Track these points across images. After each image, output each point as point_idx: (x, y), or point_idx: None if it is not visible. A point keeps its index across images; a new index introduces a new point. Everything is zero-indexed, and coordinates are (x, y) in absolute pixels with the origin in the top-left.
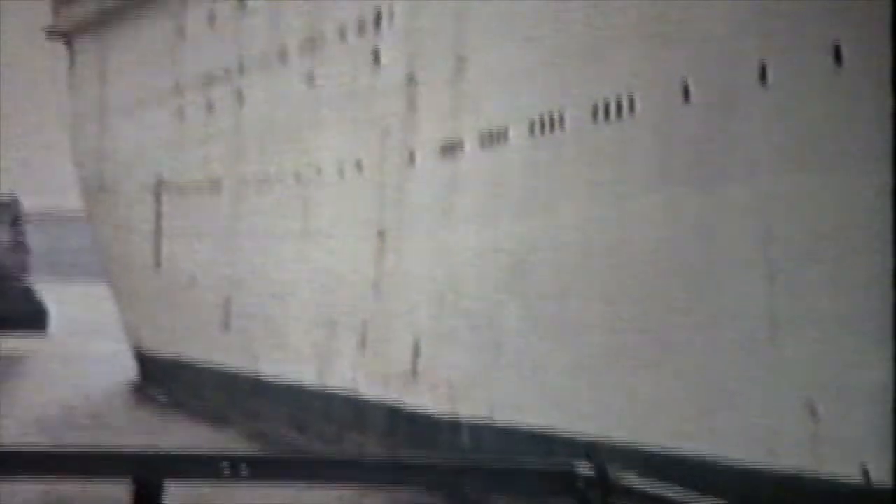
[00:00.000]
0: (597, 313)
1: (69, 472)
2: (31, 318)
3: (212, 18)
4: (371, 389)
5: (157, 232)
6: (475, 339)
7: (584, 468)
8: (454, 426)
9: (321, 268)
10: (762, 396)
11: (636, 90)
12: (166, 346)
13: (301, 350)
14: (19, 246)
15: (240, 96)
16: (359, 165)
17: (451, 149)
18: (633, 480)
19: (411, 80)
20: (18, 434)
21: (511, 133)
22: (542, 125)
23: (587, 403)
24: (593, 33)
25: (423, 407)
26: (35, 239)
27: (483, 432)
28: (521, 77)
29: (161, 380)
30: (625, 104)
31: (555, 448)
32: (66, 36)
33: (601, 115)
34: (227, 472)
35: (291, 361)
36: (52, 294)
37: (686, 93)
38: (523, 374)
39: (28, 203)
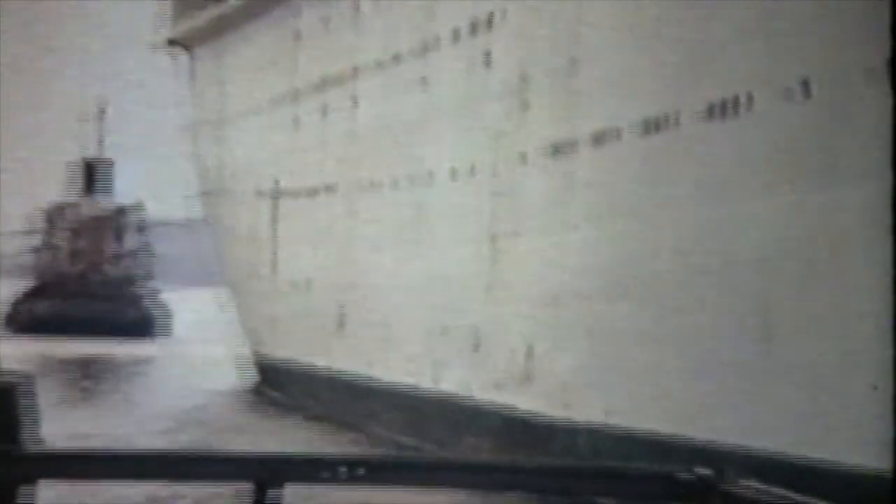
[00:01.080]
0: (712, 317)
1: (190, 475)
2: (157, 322)
3: (326, 23)
4: (484, 393)
5: (273, 237)
6: (589, 343)
7: (701, 473)
8: (568, 430)
9: (434, 272)
10: (881, 400)
11: (754, 88)
12: (283, 349)
13: (415, 354)
14: (144, 252)
15: (354, 100)
16: (471, 168)
17: (563, 150)
18: (750, 486)
19: (524, 80)
20: (141, 436)
21: (624, 133)
22: (657, 125)
23: (703, 407)
24: (710, 31)
25: (536, 410)
26: (159, 244)
27: (598, 436)
28: (635, 76)
29: (278, 383)
30: (742, 103)
31: (671, 452)
32: (185, 45)
33: (717, 113)
34: (344, 474)
35: (405, 365)
36: (175, 299)
37: (806, 90)
38: (639, 378)
39: (152, 209)
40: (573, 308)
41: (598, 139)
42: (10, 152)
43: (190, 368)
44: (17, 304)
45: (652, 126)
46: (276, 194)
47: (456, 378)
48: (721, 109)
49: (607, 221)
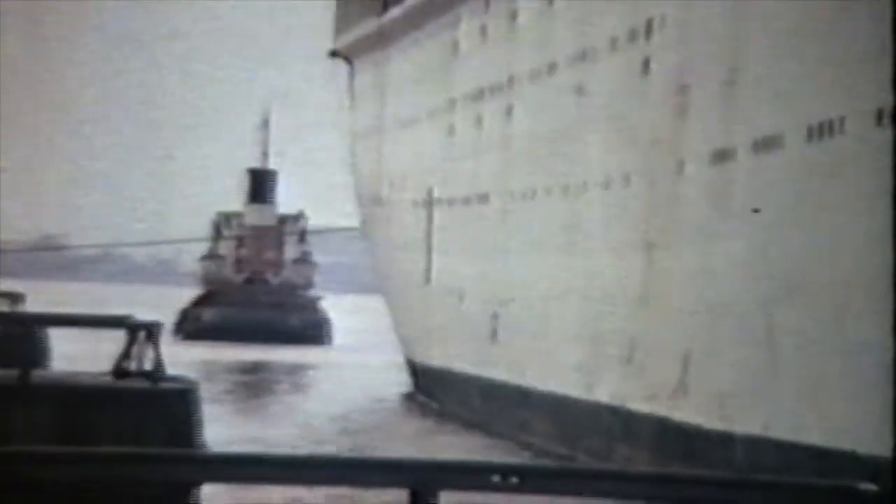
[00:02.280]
0: (880, 328)
1: (347, 480)
2: (316, 330)
3: (483, 33)
4: (638, 403)
5: (427, 247)
6: (748, 353)
7: (869, 488)
8: (726, 441)
9: (587, 281)
10: None
11: None
12: (437, 358)
13: (568, 363)
14: (305, 260)
15: (508, 109)
16: (626, 176)
17: (722, 157)
18: None
19: (682, 88)
20: (299, 441)
21: (787, 139)
22: (821, 131)
23: (871, 421)
24: (879, 33)
25: (692, 421)
26: (317, 253)
27: (757, 448)
28: (798, 82)
29: (432, 390)
30: None
31: (836, 466)
32: (346, 57)
33: (886, 119)
34: (497, 482)
35: (558, 374)
36: (333, 307)
37: None
38: (801, 389)
39: (312, 219)
40: (732, 317)
41: (759, 146)
42: (190, 162)
43: (348, 375)
44: (186, 312)
45: (816, 132)
46: (430, 203)
47: (609, 388)
48: (891, 115)
49: (769, 229)
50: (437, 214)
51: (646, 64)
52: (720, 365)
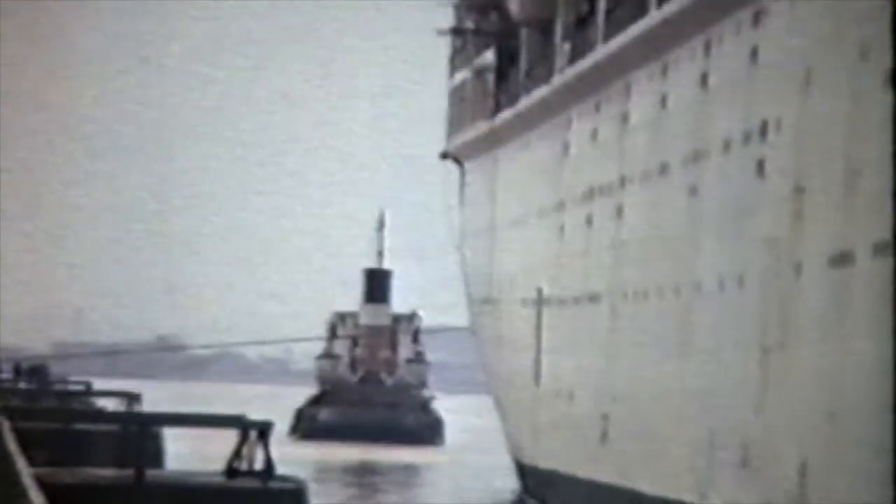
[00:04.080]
0: None
1: None
2: (430, 430)
3: (594, 134)
4: None
5: (537, 346)
6: (870, 461)
7: None
8: None
9: (701, 383)
10: None
11: None
12: (546, 459)
13: (680, 466)
14: (419, 360)
15: (619, 210)
16: (740, 278)
17: (841, 261)
18: None
19: (798, 189)
20: None
21: None
22: None
23: None
24: None
25: None
26: (430, 351)
27: None
28: None
29: (541, 492)
30: None
31: None
32: (457, 158)
33: None
34: None
35: (670, 477)
36: (444, 406)
37: None
38: None
39: (425, 318)
40: (852, 423)
41: (880, 249)
42: (306, 262)
43: (459, 475)
44: (301, 411)
45: None
46: (540, 302)
47: (723, 494)
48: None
49: (891, 334)
50: (547, 314)
51: (760, 165)
52: (840, 473)
